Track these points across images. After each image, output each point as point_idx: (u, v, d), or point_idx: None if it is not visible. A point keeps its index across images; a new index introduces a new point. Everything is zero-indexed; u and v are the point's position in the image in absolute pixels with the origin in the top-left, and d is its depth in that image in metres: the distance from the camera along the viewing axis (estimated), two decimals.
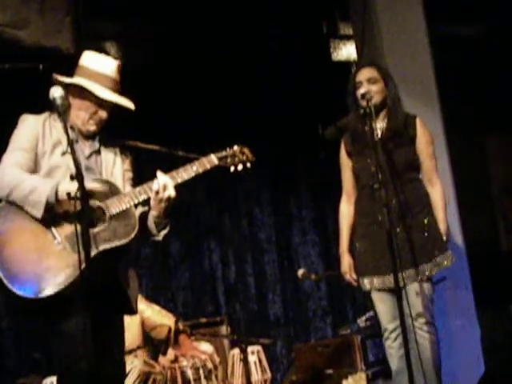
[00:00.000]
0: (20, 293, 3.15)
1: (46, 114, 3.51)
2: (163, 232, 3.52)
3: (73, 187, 3.11)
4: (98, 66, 3.52)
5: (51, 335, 3.29)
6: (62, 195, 3.21)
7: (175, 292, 7.18)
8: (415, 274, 4.06)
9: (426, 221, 4.13)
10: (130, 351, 5.38)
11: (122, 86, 3.60)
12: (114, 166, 3.57)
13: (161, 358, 5.51)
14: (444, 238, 4.15)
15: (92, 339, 2.92)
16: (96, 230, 3.25)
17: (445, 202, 4.25)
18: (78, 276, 3.14)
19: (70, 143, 3.11)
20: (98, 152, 3.56)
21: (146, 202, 3.47)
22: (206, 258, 7.35)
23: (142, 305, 5.57)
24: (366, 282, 4.18)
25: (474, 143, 7.14)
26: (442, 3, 5.93)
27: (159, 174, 3.42)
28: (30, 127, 3.45)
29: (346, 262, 4.25)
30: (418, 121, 4.24)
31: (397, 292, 3.78)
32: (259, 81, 6.75)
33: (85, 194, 3.02)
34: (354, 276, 4.22)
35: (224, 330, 6.40)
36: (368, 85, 4.13)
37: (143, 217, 3.50)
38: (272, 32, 6.70)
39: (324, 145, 7.10)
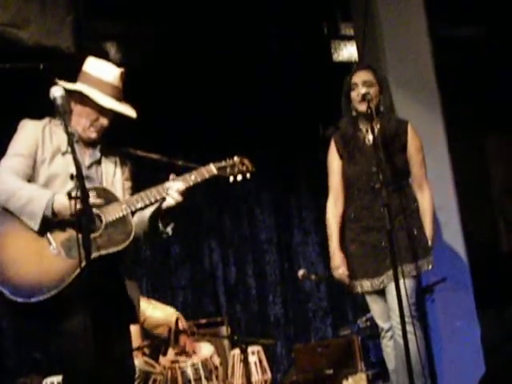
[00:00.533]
0: (12, 297, 3.15)
1: (46, 120, 3.50)
2: (170, 227, 3.53)
3: (67, 201, 3.13)
4: (101, 73, 3.51)
5: (52, 335, 3.29)
6: (58, 208, 3.22)
7: (175, 292, 7.18)
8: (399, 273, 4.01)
9: (413, 225, 4.13)
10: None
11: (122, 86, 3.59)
12: (114, 176, 3.57)
13: (161, 359, 5.51)
14: (430, 242, 4.16)
15: (93, 338, 2.92)
16: (92, 236, 3.23)
17: (433, 209, 4.26)
18: (72, 281, 3.16)
19: (71, 143, 3.10)
20: (98, 162, 3.54)
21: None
22: (207, 258, 7.35)
23: (143, 303, 5.57)
24: (357, 285, 4.19)
25: (474, 144, 7.14)
26: (443, 5, 5.93)
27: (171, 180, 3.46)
28: (29, 133, 3.43)
29: (338, 257, 4.21)
30: (409, 127, 4.22)
31: (396, 291, 3.75)
32: (259, 81, 6.75)
33: (85, 193, 3.02)
34: (346, 271, 4.18)
35: (224, 330, 6.40)
36: (363, 87, 4.11)
37: (155, 215, 3.51)
38: (272, 32, 6.70)
39: (324, 145, 7.08)
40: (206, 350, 5.68)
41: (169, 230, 3.54)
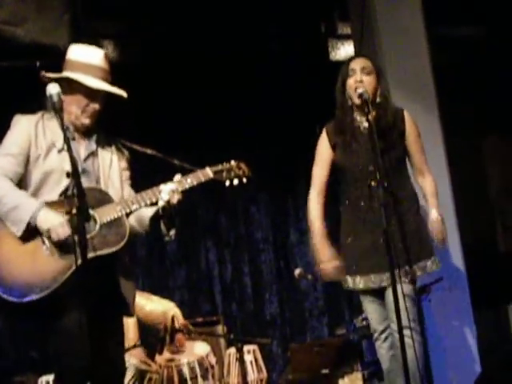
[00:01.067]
0: (5, 296, 3.16)
1: (39, 115, 3.48)
2: (172, 231, 3.52)
3: (53, 217, 3.18)
4: (85, 57, 3.49)
5: (48, 334, 3.29)
6: (40, 224, 3.22)
7: (172, 291, 7.17)
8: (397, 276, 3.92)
9: (414, 221, 4.06)
10: (127, 350, 5.37)
11: (121, 85, 3.58)
12: (110, 167, 3.55)
13: (157, 357, 5.50)
14: (439, 225, 4.08)
15: (88, 336, 2.92)
16: (87, 237, 3.18)
17: (436, 190, 4.18)
18: (65, 281, 3.17)
19: (67, 141, 3.08)
20: (94, 154, 3.52)
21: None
22: (203, 258, 7.35)
23: (141, 299, 5.55)
24: (350, 281, 4.09)
25: (471, 144, 7.14)
26: (440, 4, 5.93)
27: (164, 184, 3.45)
28: (22, 130, 3.42)
29: (327, 250, 4.12)
30: (406, 114, 4.16)
31: (393, 292, 3.71)
32: (259, 81, 6.74)
33: (81, 192, 3.00)
34: (337, 263, 4.09)
35: (220, 329, 6.39)
36: (361, 74, 4.04)
37: (155, 217, 3.51)
38: (272, 32, 6.69)
39: None
40: (201, 348, 5.67)
41: (171, 234, 3.53)
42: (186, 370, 5.37)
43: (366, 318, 5.23)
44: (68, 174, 3.04)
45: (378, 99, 4.09)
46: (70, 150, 3.05)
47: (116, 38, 6.28)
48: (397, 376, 3.98)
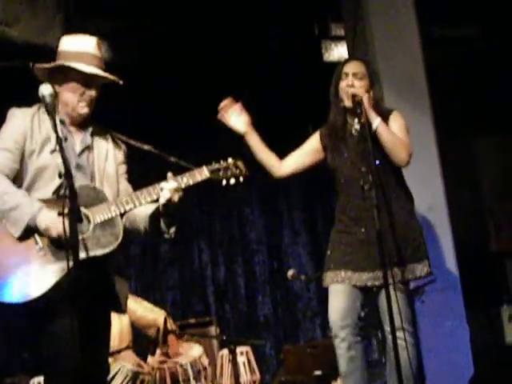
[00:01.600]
0: None
1: (35, 108, 3.42)
2: (172, 229, 3.49)
3: (51, 219, 3.12)
4: (77, 46, 3.44)
5: (40, 335, 3.26)
6: (40, 225, 3.18)
7: (164, 292, 7.18)
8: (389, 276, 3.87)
9: (405, 223, 4.02)
10: (119, 351, 5.36)
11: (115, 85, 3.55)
12: (106, 160, 3.49)
13: (149, 359, 5.49)
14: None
15: (79, 339, 2.90)
16: (80, 237, 3.16)
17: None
18: (56, 283, 3.14)
19: (59, 141, 3.04)
20: (90, 147, 3.47)
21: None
22: (196, 258, 7.35)
23: (133, 304, 5.55)
24: (328, 277, 4.02)
25: (464, 145, 7.15)
26: (432, 5, 5.94)
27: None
28: (17, 124, 3.37)
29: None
30: (393, 113, 4.13)
31: (386, 292, 3.68)
32: (259, 81, 6.73)
33: (74, 193, 2.96)
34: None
35: (213, 330, 6.39)
36: (353, 79, 4.04)
37: (155, 215, 3.47)
38: (272, 32, 6.68)
39: None
40: (194, 350, 5.66)
41: (171, 231, 3.49)
42: (178, 372, 5.36)
43: (360, 319, 5.23)
44: (60, 175, 3.01)
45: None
46: (62, 150, 3.01)
47: (109, 37, 6.25)
48: (355, 382, 3.95)
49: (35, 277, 3.16)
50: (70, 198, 2.94)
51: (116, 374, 5.03)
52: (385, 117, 4.09)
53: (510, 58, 6.70)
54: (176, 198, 3.39)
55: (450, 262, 5.39)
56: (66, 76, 3.40)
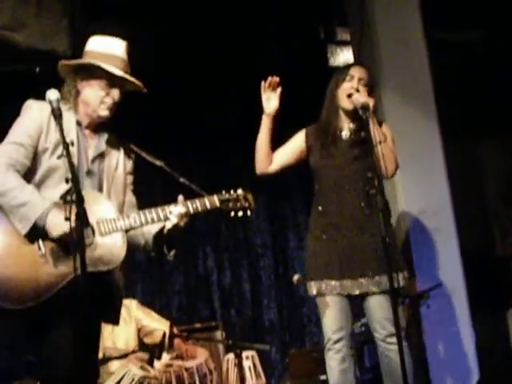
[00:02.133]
0: None
1: None
2: (173, 252, 3.48)
3: (60, 220, 3.00)
4: (106, 48, 3.39)
5: (41, 340, 3.25)
6: (49, 223, 3.12)
7: (170, 297, 7.17)
8: (372, 284, 3.93)
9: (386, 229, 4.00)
10: (125, 355, 5.37)
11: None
12: (116, 169, 3.45)
13: (156, 363, 5.49)
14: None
15: (75, 348, 2.88)
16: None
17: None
18: (54, 293, 3.10)
19: (66, 147, 2.99)
20: (102, 155, 3.42)
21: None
22: (202, 263, 7.34)
23: (140, 313, 5.59)
24: (313, 286, 4.00)
25: (469, 149, 7.14)
26: (438, 9, 5.94)
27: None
28: (33, 116, 3.30)
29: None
30: (383, 124, 4.12)
31: (392, 298, 3.64)
32: (259, 81, 6.73)
33: (81, 198, 2.90)
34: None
35: (219, 335, 6.38)
36: (358, 83, 4.05)
37: (158, 236, 3.45)
38: (272, 32, 6.68)
39: None
40: (200, 354, 5.66)
41: (171, 255, 3.48)
42: (184, 376, 5.36)
43: (364, 324, 5.23)
44: (67, 180, 2.96)
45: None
46: (69, 156, 2.98)
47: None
48: None
49: (32, 285, 3.11)
50: (77, 203, 2.90)
51: (122, 377, 5.04)
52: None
53: None
54: (182, 223, 3.38)
55: (456, 266, 5.38)
56: (91, 76, 3.36)
